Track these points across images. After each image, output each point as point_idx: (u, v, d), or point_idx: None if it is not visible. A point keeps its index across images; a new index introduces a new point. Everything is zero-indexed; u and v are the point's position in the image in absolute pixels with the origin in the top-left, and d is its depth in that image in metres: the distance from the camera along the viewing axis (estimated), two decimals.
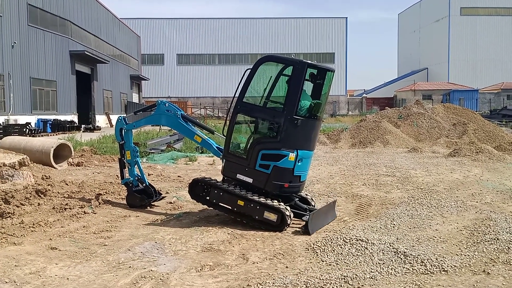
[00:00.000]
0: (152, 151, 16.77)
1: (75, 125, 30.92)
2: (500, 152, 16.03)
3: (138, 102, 54.37)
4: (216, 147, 7.64)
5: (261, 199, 6.78)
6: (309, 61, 6.93)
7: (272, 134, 6.89)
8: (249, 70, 7.11)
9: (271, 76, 7.15)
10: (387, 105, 54.02)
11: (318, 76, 7.24)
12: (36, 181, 9.66)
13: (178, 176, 11.87)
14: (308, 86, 7.22)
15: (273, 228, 6.75)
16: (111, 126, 39.75)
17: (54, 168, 12.30)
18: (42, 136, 23.44)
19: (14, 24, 26.06)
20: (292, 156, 6.75)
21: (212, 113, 58.97)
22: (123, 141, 8.25)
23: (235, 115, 7.19)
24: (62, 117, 30.19)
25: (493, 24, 68.88)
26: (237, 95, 7.14)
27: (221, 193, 7.14)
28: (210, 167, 13.98)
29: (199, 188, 7.53)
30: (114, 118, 41.70)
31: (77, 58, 33.92)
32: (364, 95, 70.60)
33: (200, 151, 17.52)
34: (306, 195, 7.71)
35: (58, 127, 28.19)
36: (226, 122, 7.34)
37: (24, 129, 23.05)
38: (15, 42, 25.89)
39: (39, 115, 28.06)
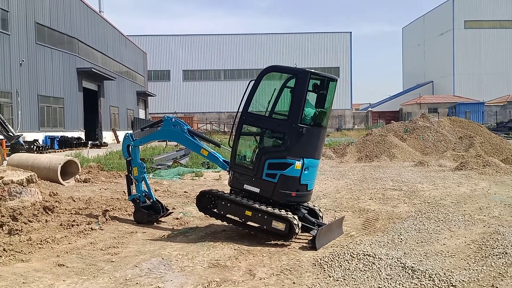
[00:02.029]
0: (159, 166, 16.84)
1: (82, 141, 31.12)
2: (507, 165, 15.96)
3: (144, 118, 54.67)
4: (223, 160, 7.68)
5: (269, 208, 6.79)
6: (312, 70, 6.99)
7: (278, 143, 6.94)
8: (253, 81, 7.18)
9: (275, 86, 7.22)
10: (392, 118, 54.02)
11: (321, 86, 7.29)
12: (44, 197, 9.70)
13: (185, 192, 11.89)
14: (311, 97, 7.27)
15: (281, 237, 6.76)
16: (118, 142, 39.94)
17: (62, 184, 12.38)
18: (49, 152, 23.60)
19: (22, 42, 26.43)
20: (298, 164, 6.78)
21: (218, 128, 59.17)
22: (130, 158, 8.31)
23: (240, 126, 7.24)
24: (69, 134, 30.41)
25: (498, 37, 69.00)
26: (242, 106, 7.20)
27: (228, 204, 7.16)
28: (217, 182, 13.99)
29: (207, 200, 7.57)
30: (120, 134, 41.92)
31: (84, 75, 34.28)
32: (370, 108, 70.63)
33: (207, 167, 17.58)
34: (314, 206, 7.71)
35: (65, 143, 28.38)
36: (231, 133, 7.40)
37: (32, 146, 23.22)
38: (23, 60, 26.23)
39: (47, 132, 28.30)
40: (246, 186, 7.07)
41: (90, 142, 32.42)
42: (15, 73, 25.51)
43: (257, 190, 6.97)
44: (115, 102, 42.50)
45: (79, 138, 31.21)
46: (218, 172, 16.35)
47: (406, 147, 20.68)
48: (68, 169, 13.30)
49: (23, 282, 5.11)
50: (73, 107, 32.82)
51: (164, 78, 66.93)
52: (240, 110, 7.20)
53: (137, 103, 52.28)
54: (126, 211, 9.12)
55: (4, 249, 6.22)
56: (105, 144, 33.25)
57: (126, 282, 5.18)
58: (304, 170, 6.87)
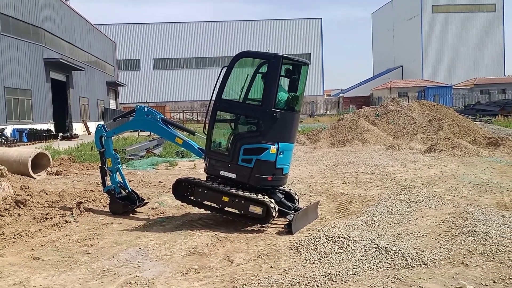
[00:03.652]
0: (132, 157, 16.67)
1: (52, 133, 30.47)
2: (475, 146, 16.40)
3: (115, 108, 53.85)
4: (198, 148, 7.69)
5: (246, 193, 6.85)
6: (284, 55, 7.03)
7: (252, 129, 6.99)
8: (226, 68, 7.19)
9: (248, 72, 7.25)
10: (364, 103, 54.64)
11: (294, 70, 7.36)
12: (15, 191, 9.52)
13: (159, 182, 11.83)
14: (284, 81, 7.32)
15: (259, 221, 6.85)
16: (89, 133, 39.30)
17: (33, 178, 12.14)
18: (18, 146, 23.08)
19: None
20: (273, 148, 6.85)
21: (191, 117, 58.82)
22: (104, 149, 8.22)
23: (214, 113, 7.25)
24: (38, 126, 29.76)
25: (465, 21, 70.38)
26: (215, 93, 7.20)
27: (205, 191, 7.20)
28: (191, 171, 13.95)
29: (183, 188, 7.59)
30: (91, 125, 41.25)
31: (51, 66, 33.49)
32: (341, 94, 71.29)
33: (181, 156, 17.50)
34: (290, 189, 7.82)
35: (35, 136, 27.75)
36: (206, 120, 7.40)
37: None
38: None
39: (15, 125, 27.65)
40: (223, 173, 7.11)
41: (60, 134, 31.79)
42: None
43: (233, 175, 7.02)
44: (84, 93, 41.71)
45: (48, 130, 30.55)
46: (193, 161, 16.30)
47: (378, 131, 21.01)
48: (39, 162, 13.05)
49: None
50: (41, 99, 32.08)
51: (134, 67, 66.02)
52: (214, 97, 7.21)
53: (107, 94, 51.44)
54: (101, 202, 9.04)
55: None
56: (76, 136, 32.66)
57: (103, 272, 5.17)
58: (279, 154, 6.94)
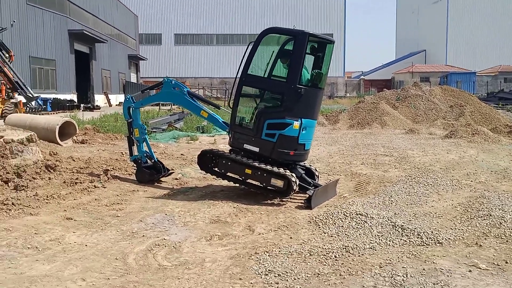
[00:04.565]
0: (154, 130, 17.01)
1: (75, 104, 31.03)
2: (495, 134, 16.33)
3: (136, 82, 54.34)
4: (222, 121, 7.92)
5: (268, 166, 7.08)
6: (311, 32, 7.16)
7: (277, 104, 7.18)
8: (252, 43, 7.34)
9: (273, 48, 7.40)
10: (385, 87, 54.17)
11: (319, 48, 7.49)
12: (45, 156, 9.89)
13: (181, 154, 12.13)
14: (308, 59, 7.46)
15: (279, 194, 7.09)
16: (110, 105, 39.85)
17: (59, 145, 12.54)
18: (42, 114, 23.60)
19: (13, 2, 26.01)
20: (296, 124, 7.05)
21: (210, 94, 59.02)
22: (131, 119, 8.50)
23: (240, 87, 7.45)
24: (61, 96, 30.31)
25: (492, 7, 68.76)
26: (241, 68, 7.38)
27: (229, 163, 7.46)
28: (212, 146, 14.21)
29: (208, 159, 7.86)
30: (112, 97, 41.78)
31: (75, 37, 33.89)
32: (362, 77, 70.65)
33: (201, 131, 17.79)
34: (310, 166, 8.04)
35: (58, 106, 28.30)
36: (231, 95, 7.61)
37: (25, 108, 23.20)
38: (14, 21, 25.87)
39: (36, 94, 28.16)
40: (246, 146, 7.34)
41: (82, 105, 32.33)
42: (6, 34, 25.14)
43: (256, 149, 7.25)
44: (106, 65, 42.17)
45: (71, 101, 31.12)
46: (213, 136, 16.59)
47: (398, 115, 20.99)
48: (64, 130, 13.43)
49: (35, 233, 5.39)
50: (65, 70, 32.58)
51: (156, 41, 66.12)
52: (240, 72, 7.40)
53: (128, 67, 51.87)
54: (126, 171, 9.37)
55: (12, 203, 6.47)
56: (98, 107, 33.18)
57: (133, 234, 5.48)
58: (302, 130, 7.14)
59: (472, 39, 68.85)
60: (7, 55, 19.40)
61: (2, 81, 18.86)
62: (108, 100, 40.84)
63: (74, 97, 33.54)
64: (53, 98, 28.48)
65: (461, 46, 68.76)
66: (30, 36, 27.91)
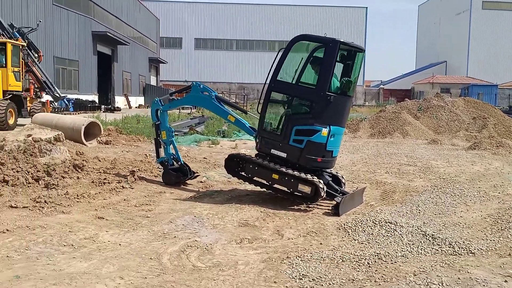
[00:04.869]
0: (176, 133, 17.09)
1: (96, 105, 31.43)
2: None
3: (155, 85, 54.84)
4: (249, 126, 7.96)
5: (295, 172, 7.09)
6: (342, 40, 7.17)
7: (306, 111, 7.21)
8: (283, 50, 7.38)
9: (303, 54, 7.42)
10: (404, 96, 53.89)
11: (348, 56, 7.50)
12: (72, 156, 10.03)
13: (204, 158, 12.21)
14: (338, 66, 7.46)
15: (307, 200, 7.10)
16: (130, 107, 40.28)
17: (84, 145, 12.72)
18: (65, 114, 23.94)
19: (40, 2, 26.50)
20: (325, 131, 7.06)
21: (229, 99, 59.22)
22: (159, 122, 8.59)
23: (269, 93, 7.49)
24: (83, 97, 30.72)
25: None
26: (271, 74, 7.43)
27: (256, 168, 7.48)
28: (233, 150, 14.26)
29: (235, 163, 7.90)
30: (132, 99, 42.22)
31: (98, 38, 34.37)
32: (381, 86, 70.37)
33: (222, 135, 17.88)
34: (337, 173, 8.03)
35: (80, 106, 28.70)
36: (260, 100, 7.66)
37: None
38: (40, 21, 26.29)
39: (62, 94, 28.58)
40: (273, 151, 7.37)
41: (103, 106, 32.73)
42: (32, 34, 25.62)
43: (284, 155, 7.27)
44: (127, 68, 42.65)
45: (93, 102, 31.53)
46: (234, 141, 16.67)
47: (420, 125, 20.83)
48: (89, 131, 13.61)
49: (70, 231, 5.47)
50: (87, 71, 33.04)
51: (176, 45, 66.76)
52: (269, 78, 7.44)
53: (149, 70, 52.40)
54: (152, 172, 9.45)
55: (45, 201, 6.58)
56: (118, 109, 33.55)
57: (164, 235, 5.53)
58: (330, 137, 7.15)
59: (494, 51, 68.13)
60: (36, 55, 19.79)
61: (31, 80, 19.25)
62: (128, 102, 41.27)
63: (95, 98, 33.97)
64: (76, 99, 28.89)
65: (483, 58, 68.06)
66: (55, 36, 28.38)
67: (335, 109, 7.21)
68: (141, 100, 46.82)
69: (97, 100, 33.84)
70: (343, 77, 7.47)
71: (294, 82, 7.39)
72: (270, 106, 7.61)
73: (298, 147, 7.16)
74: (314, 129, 7.07)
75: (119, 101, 39.40)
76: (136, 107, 42.22)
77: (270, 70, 7.48)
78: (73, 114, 25.96)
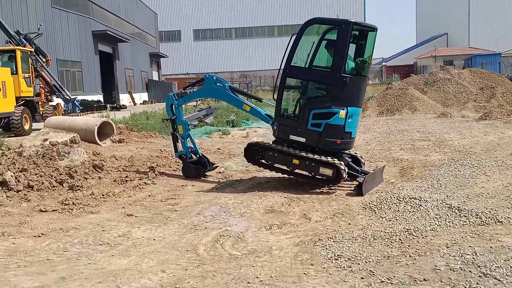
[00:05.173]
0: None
1: (102, 104, 31.50)
2: None
3: (158, 79, 54.82)
4: (265, 114, 8.02)
5: (316, 156, 7.16)
6: (353, 20, 7.20)
7: (322, 94, 7.25)
8: (295, 35, 7.40)
9: (314, 38, 7.44)
10: (407, 72, 53.60)
11: (361, 36, 7.51)
12: (89, 157, 10.15)
13: (218, 149, 12.29)
14: (351, 47, 7.47)
15: (329, 182, 7.19)
16: (134, 104, 40.35)
17: (99, 145, 12.82)
18: (72, 116, 24.03)
19: (39, 6, 26.50)
20: (342, 113, 7.11)
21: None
22: (175, 116, 8.66)
23: (284, 79, 7.53)
24: (89, 97, 30.79)
25: None
26: (284, 60, 7.46)
27: (276, 154, 7.56)
28: (245, 139, 14.34)
29: (254, 152, 7.98)
30: (136, 96, 42.27)
31: (99, 38, 34.34)
32: (384, 63, 69.92)
33: (231, 125, 17.94)
34: (356, 153, 8.10)
35: (86, 107, 28.75)
36: (275, 87, 7.70)
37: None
38: (41, 25, 26.28)
39: (76, 96, 28.68)
40: (292, 137, 7.43)
41: (109, 105, 32.80)
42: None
43: (303, 139, 7.33)
44: (129, 65, 42.63)
45: (98, 101, 31.60)
46: (244, 129, 16.73)
47: (427, 99, 20.82)
48: (102, 131, 13.71)
49: (103, 230, 5.59)
50: (90, 71, 33.09)
51: (175, 38, 66.53)
52: (283, 64, 7.48)
53: (150, 65, 52.32)
54: (170, 167, 9.55)
55: (73, 203, 6.70)
56: (124, 107, 33.62)
57: (195, 227, 5.64)
58: (348, 119, 7.20)
59: (495, 19, 67.40)
60: (44, 59, 19.92)
61: (41, 85, 19.41)
62: (133, 99, 41.34)
63: (100, 97, 34.05)
64: (81, 99, 28.95)
65: (484, 28, 67.38)
66: (56, 39, 28.40)
67: (351, 90, 7.25)
68: (145, 96, 46.86)
69: (102, 100, 33.92)
70: (357, 57, 7.50)
71: (308, 66, 7.42)
72: (286, 92, 7.66)
73: (317, 130, 7.21)
74: (332, 111, 7.12)
75: (124, 98, 39.46)
76: (140, 104, 42.28)
77: (284, 56, 7.50)
78: (80, 115, 26.08)
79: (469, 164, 8.73)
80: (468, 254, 4.33)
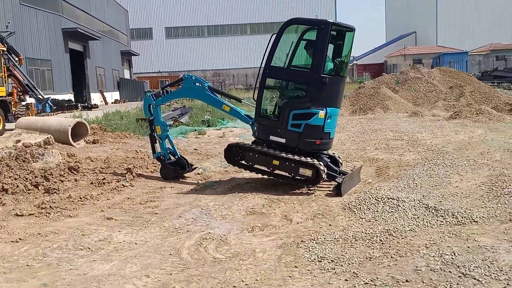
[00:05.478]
0: None
1: (73, 104, 30.94)
2: (498, 112, 16.58)
3: (129, 78, 54.17)
4: (245, 114, 8.04)
5: (296, 157, 7.23)
6: (333, 21, 7.31)
7: (302, 94, 7.33)
8: (275, 35, 7.45)
9: (293, 38, 7.50)
10: (378, 71, 54.46)
11: (338, 36, 7.61)
12: (64, 158, 9.98)
13: (195, 149, 12.23)
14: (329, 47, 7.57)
15: (308, 183, 7.27)
16: (106, 103, 39.77)
17: (73, 146, 12.61)
18: (42, 116, 23.52)
19: (7, 3, 25.84)
20: (322, 113, 7.20)
21: None
22: (153, 117, 8.60)
23: (264, 80, 7.57)
24: (59, 96, 30.18)
25: None
26: (264, 60, 7.49)
27: (256, 155, 7.60)
28: (221, 139, 14.35)
29: (234, 153, 7.99)
30: (107, 95, 41.67)
31: (69, 35, 33.72)
32: (355, 62, 70.70)
33: (207, 125, 17.87)
34: (334, 153, 8.19)
35: (57, 106, 28.18)
36: (255, 87, 7.74)
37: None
38: (9, 22, 25.65)
39: (49, 96, 28.05)
40: (272, 137, 7.48)
41: (80, 105, 32.23)
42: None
43: (282, 140, 7.40)
44: (100, 63, 42.00)
45: (69, 101, 31.04)
46: (220, 129, 16.70)
47: (399, 98, 21.18)
48: (75, 131, 13.48)
49: (82, 235, 5.51)
50: (61, 69, 32.46)
51: (147, 36, 65.89)
52: (263, 64, 7.52)
53: (121, 63, 51.66)
54: (147, 168, 9.49)
55: (50, 207, 6.58)
56: (96, 106, 33.11)
57: (177, 230, 5.62)
58: (327, 119, 7.29)
59: (462, 18, 69.07)
60: (16, 58, 19.49)
61: (14, 85, 18.99)
62: (104, 98, 40.74)
63: (71, 96, 33.46)
64: (52, 99, 28.35)
65: (451, 26, 68.98)
66: (25, 37, 27.74)
67: (330, 91, 7.34)
68: (116, 95, 46.25)
69: (73, 99, 33.32)
70: (335, 57, 7.59)
71: (287, 66, 7.47)
72: (266, 92, 7.70)
73: (297, 131, 7.28)
74: (311, 112, 7.20)
75: (95, 97, 38.86)
76: (112, 103, 41.69)
77: (264, 56, 7.54)
78: (50, 115, 25.54)
79: (442, 163, 8.94)
80: (447, 254, 4.45)
